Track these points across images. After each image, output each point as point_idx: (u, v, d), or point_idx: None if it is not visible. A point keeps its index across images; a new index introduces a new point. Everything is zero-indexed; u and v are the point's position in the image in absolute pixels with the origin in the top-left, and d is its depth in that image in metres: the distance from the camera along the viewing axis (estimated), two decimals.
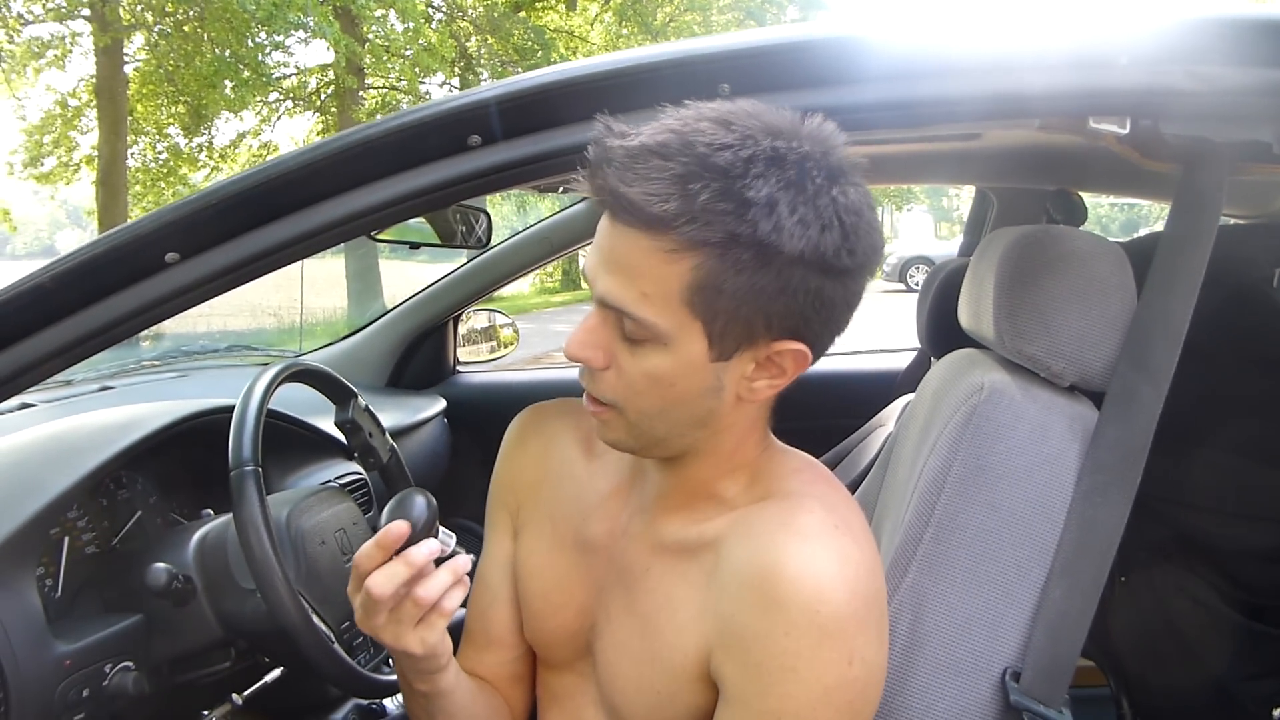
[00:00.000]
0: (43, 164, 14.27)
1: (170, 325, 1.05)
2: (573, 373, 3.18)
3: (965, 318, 1.31)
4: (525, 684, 1.17)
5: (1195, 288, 1.04)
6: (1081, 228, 2.13)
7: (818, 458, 1.96)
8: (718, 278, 0.82)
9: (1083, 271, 1.12)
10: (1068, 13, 0.99)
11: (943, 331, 1.84)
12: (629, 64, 0.97)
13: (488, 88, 0.99)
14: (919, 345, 2.27)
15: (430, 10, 15.98)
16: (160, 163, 15.09)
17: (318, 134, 16.41)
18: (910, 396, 1.63)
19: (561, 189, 1.71)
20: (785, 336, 0.87)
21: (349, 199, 0.99)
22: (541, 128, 0.97)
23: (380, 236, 1.93)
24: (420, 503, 0.92)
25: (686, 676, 0.95)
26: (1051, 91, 0.95)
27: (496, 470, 1.18)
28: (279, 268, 1.03)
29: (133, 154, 14.53)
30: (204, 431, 1.54)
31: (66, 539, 1.34)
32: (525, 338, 3.18)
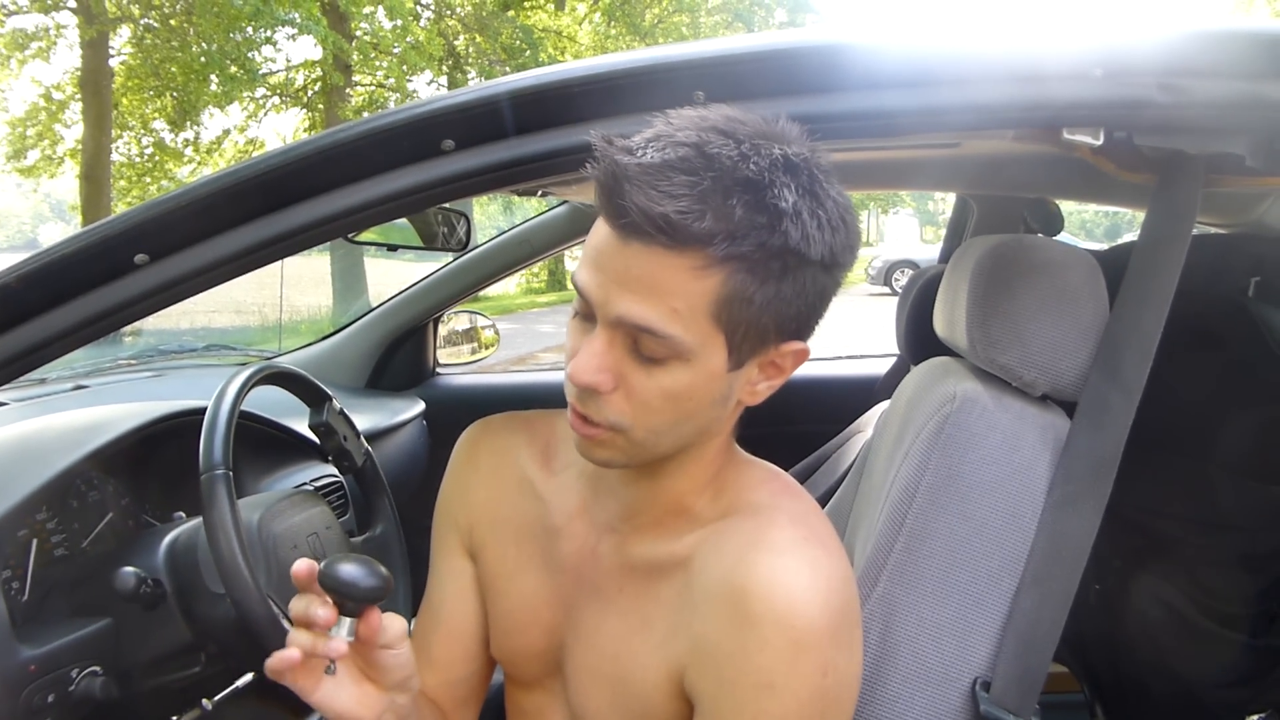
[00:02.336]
0: (26, 157, 14.18)
1: (149, 322, 1.05)
2: (554, 376, 3.19)
3: (940, 326, 1.31)
4: (470, 707, 1.15)
5: (1168, 298, 1.05)
6: (1066, 231, 2.15)
7: (797, 463, 1.98)
8: (746, 290, 0.81)
9: (1055, 281, 1.12)
10: (1042, 24, 0.99)
11: (921, 338, 1.85)
12: (604, 70, 0.96)
13: (461, 92, 0.98)
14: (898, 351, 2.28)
15: (418, 8, 15.96)
16: (145, 157, 15.01)
17: (304, 130, 16.38)
18: (888, 403, 1.63)
19: (540, 192, 1.70)
20: (791, 338, 0.88)
21: (322, 202, 0.99)
22: (516, 133, 0.97)
23: (359, 238, 1.92)
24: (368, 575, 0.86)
25: (660, 695, 0.94)
26: (1025, 103, 0.95)
27: (444, 488, 1.14)
28: (251, 270, 1.03)
29: (117, 148, 14.45)
30: (177, 433, 1.52)
31: (34, 541, 1.33)
32: (510, 338, 3.18)
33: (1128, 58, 0.94)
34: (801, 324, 0.87)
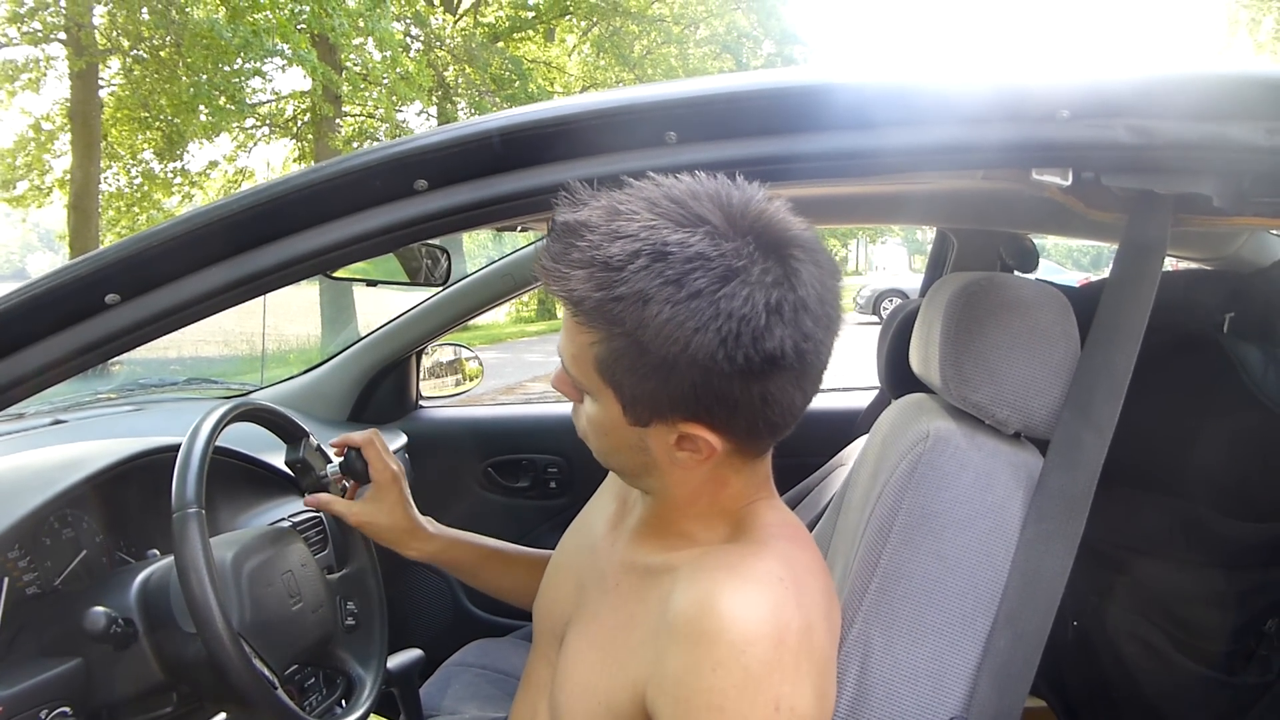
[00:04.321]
0: (15, 187, 14.18)
1: (135, 351, 1.05)
2: (537, 409, 3.18)
3: (916, 363, 1.31)
4: None
5: (1138, 336, 1.05)
6: (1052, 260, 2.16)
7: (780, 495, 1.97)
8: (611, 356, 0.87)
9: (1026, 319, 1.12)
10: (1009, 66, 1.00)
11: (900, 372, 1.85)
12: (575, 111, 0.97)
13: (434, 132, 0.99)
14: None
15: (408, 39, 16.05)
16: (134, 187, 15.01)
17: (294, 160, 16.42)
18: (867, 437, 1.63)
19: (520, 227, 1.71)
20: (690, 420, 0.90)
21: (295, 241, 0.99)
22: (488, 173, 0.97)
23: (339, 274, 1.92)
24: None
25: (628, 698, 0.96)
26: (993, 144, 0.96)
27: None
28: (224, 309, 1.03)
29: (106, 178, 14.45)
30: (152, 470, 1.51)
31: (6, 580, 1.31)
32: (498, 367, 3.19)
33: (1094, 99, 0.95)
34: (697, 411, 0.89)
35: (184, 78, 13.09)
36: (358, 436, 1.42)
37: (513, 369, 12.01)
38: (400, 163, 0.97)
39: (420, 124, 17.35)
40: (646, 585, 1.00)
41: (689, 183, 0.87)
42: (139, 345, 1.01)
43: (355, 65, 14.64)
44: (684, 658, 0.88)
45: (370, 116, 16.39)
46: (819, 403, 2.89)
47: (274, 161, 17.42)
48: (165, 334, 1.01)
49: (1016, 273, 2.12)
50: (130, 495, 1.54)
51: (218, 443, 1.32)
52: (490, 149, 0.97)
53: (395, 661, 1.61)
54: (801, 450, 2.11)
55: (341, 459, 1.44)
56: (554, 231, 0.87)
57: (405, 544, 1.42)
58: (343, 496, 1.52)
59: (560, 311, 0.93)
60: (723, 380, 0.85)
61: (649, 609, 0.96)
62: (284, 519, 1.71)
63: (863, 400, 2.53)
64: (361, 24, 13.15)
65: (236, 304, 1.02)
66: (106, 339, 0.99)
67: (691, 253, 0.82)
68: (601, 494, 1.26)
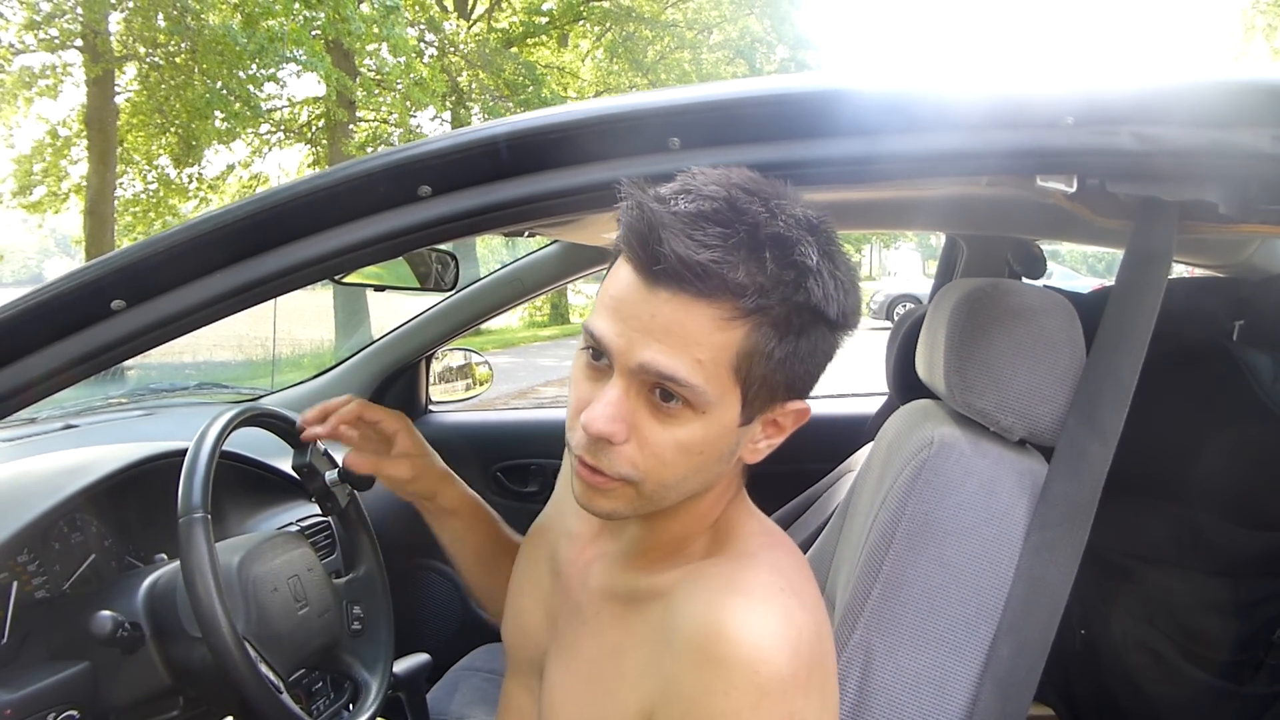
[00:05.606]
0: (32, 193, 14.28)
1: (149, 355, 1.05)
2: (546, 414, 3.17)
3: (921, 369, 1.31)
4: None
5: (1144, 343, 1.04)
6: (1067, 265, 2.15)
7: (788, 502, 1.97)
8: (766, 344, 0.82)
9: (1032, 326, 1.12)
10: (1014, 72, 1.00)
11: (908, 379, 1.84)
12: (579, 117, 0.97)
13: (438, 138, 0.99)
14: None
15: (422, 45, 16.11)
16: (150, 193, 15.10)
17: (309, 166, 16.50)
18: (873, 444, 1.62)
19: (527, 233, 1.71)
20: (796, 397, 0.89)
21: (300, 247, 0.99)
22: (492, 179, 0.98)
23: (345, 279, 1.93)
24: None
25: None
26: (998, 150, 0.95)
27: None
28: (229, 315, 1.03)
29: (122, 184, 14.54)
30: (160, 474, 1.52)
31: (15, 584, 1.32)
32: (511, 371, 3.19)
33: (1099, 106, 0.94)
34: (808, 382, 0.89)
35: (199, 84, 13.16)
36: (337, 402, 1.35)
37: (525, 373, 12.04)
38: (403, 169, 0.97)
39: (434, 129, 17.42)
40: (631, 612, 0.97)
41: (747, 170, 0.87)
42: (145, 351, 1.02)
43: (369, 71, 14.71)
44: (695, 683, 0.85)
45: (384, 122, 16.46)
46: (828, 409, 2.90)
47: (288, 166, 17.51)
48: (171, 340, 1.02)
49: (1025, 279, 2.11)
50: (138, 500, 1.55)
51: (225, 447, 1.33)
52: (492, 155, 0.97)
53: (402, 666, 1.61)
54: (810, 457, 2.11)
55: (339, 468, 1.43)
56: (684, 222, 0.80)
57: (444, 490, 1.33)
58: (344, 504, 1.53)
59: (618, 326, 0.83)
60: (837, 338, 0.88)
61: (638, 637, 0.94)
62: (291, 524, 1.71)
63: (871, 406, 2.53)
64: (376, 30, 13.21)
65: (241, 310, 1.02)
66: (112, 345, 0.99)
67: (821, 219, 0.84)
68: (557, 518, 1.17)
